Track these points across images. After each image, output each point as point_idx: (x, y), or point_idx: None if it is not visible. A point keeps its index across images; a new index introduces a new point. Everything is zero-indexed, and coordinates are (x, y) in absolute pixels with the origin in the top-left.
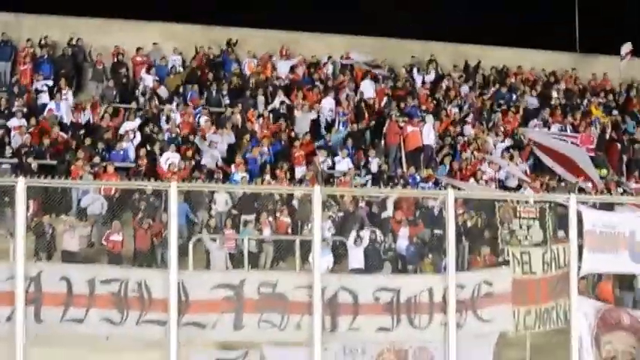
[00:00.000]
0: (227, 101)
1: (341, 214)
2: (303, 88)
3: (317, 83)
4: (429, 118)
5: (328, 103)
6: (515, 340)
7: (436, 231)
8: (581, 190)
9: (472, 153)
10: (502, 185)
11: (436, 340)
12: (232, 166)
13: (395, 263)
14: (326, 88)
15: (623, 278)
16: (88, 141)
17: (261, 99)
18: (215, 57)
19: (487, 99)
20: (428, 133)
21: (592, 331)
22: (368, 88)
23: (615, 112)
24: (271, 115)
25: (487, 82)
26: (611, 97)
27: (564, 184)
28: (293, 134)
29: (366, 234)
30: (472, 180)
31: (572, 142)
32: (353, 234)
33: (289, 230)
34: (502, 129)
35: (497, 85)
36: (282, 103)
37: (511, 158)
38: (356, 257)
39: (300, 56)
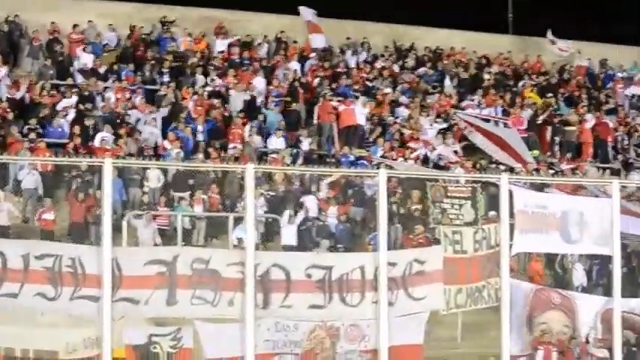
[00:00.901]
0: (162, 79)
1: (274, 192)
2: (238, 68)
3: (251, 62)
4: (362, 98)
5: (262, 82)
6: (447, 319)
7: (368, 210)
8: (513, 171)
9: (404, 133)
10: (434, 165)
11: (368, 318)
12: (166, 142)
13: (328, 241)
14: (260, 68)
15: (555, 258)
16: (23, 117)
17: (195, 77)
18: (150, 35)
19: (420, 80)
20: (360, 113)
21: (525, 311)
22: (301, 68)
23: (548, 94)
24: (206, 94)
25: (421, 63)
26: (543, 79)
27: (494, 164)
28: (227, 113)
29: (300, 212)
30: (403, 159)
31: (503, 124)
32: (287, 212)
33: (222, 207)
34: (435, 110)
35: (430, 66)
36: (213, 80)
37: (443, 139)
38: (289, 235)
39: (235, 35)
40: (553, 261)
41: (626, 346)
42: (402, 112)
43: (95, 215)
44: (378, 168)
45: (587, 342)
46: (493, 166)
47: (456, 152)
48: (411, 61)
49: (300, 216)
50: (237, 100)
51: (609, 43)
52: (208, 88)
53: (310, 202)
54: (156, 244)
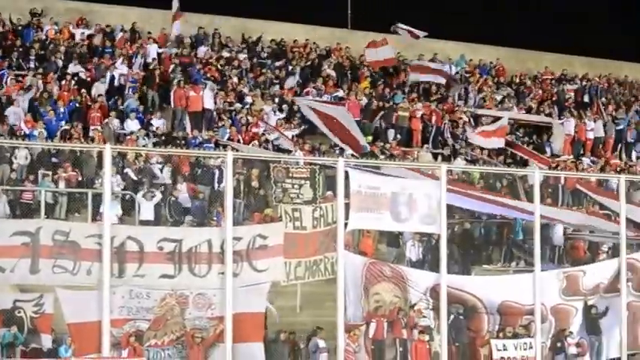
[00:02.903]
0: (29, 65)
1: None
2: (98, 55)
3: (111, 50)
4: (211, 84)
5: (120, 69)
6: (287, 290)
7: (216, 187)
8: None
9: (249, 118)
10: (276, 148)
11: (214, 287)
12: (23, 124)
13: (181, 217)
14: (118, 56)
15: (390, 235)
16: None
17: (59, 64)
18: (19, 24)
19: (265, 69)
20: (210, 99)
21: (360, 283)
22: (156, 56)
23: (384, 83)
24: (69, 80)
25: (266, 53)
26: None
27: (336, 148)
28: (89, 97)
29: (156, 189)
30: (248, 142)
31: (340, 110)
32: (143, 189)
33: (82, 184)
34: (278, 97)
35: (274, 57)
36: (75, 67)
37: (284, 123)
38: (146, 210)
39: (97, 25)
40: (387, 237)
41: (454, 315)
42: (248, 99)
43: None
44: (225, 150)
45: (417, 313)
46: (336, 149)
47: (295, 136)
48: (257, 52)
49: (156, 193)
50: (97, 85)
51: (439, 39)
52: (71, 74)
53: (163, 180)
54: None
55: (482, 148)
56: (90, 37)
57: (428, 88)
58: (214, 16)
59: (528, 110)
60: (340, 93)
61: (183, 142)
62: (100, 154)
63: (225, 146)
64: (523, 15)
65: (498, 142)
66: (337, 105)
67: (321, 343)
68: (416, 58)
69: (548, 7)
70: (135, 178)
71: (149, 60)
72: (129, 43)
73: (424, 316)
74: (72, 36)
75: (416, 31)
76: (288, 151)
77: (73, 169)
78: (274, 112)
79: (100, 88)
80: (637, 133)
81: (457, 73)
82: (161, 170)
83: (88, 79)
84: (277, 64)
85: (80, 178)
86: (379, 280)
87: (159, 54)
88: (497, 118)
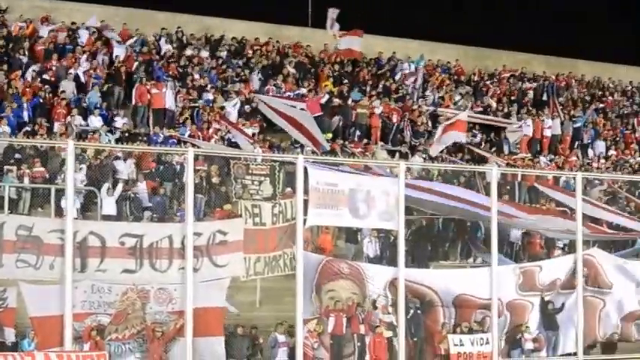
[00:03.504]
0: None
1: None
2: (62, 52)
3: (76, 48)
4: (173, 82)
5: (85, 66)
6: (247, 285)
7: (177, 183)
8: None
9: (210, 116)
10: (236, 145)
11: (175, 282)
12: None
13: (142, 212)
14: (83, 53)
15: (348, 231)
16: None
17: (23, 61)
18: None
19: (226, 67)
20: (171, 96)
21: (314, 280)
22: (120, 54)
23: (345, 81)
24: (33, 76)
25: (228, 52)
26: (338, 67)
27: (297, 145)
28: (53, 94)
29: (118, 185)
30: (208, 139)
31: (300, 108)
32: (106, 185)
33: (45, 180)
34: (238, 95)
35: (235, 55)
36: (39, 64)
37: (245, 121)
38: (108, 206)
39: (62, 23)
40: (346, 234)
41: (412, 310)
42: (209, 96)
43: None
44: (186, 146)
45: (376, 308)
46: (297, 146)
47: (255, 134)
48: (218, 50)
49: (119, 189)
50: (61, 82)
51: (398, 37)
52: (35, 71)
53: (125, 176)
54: None
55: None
56: (55, 34)
57: (388, 86)
58: (176, 14)
59: (486, 108)
60: (301, 91)
61: (145, 138)
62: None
63: (186, 143)
64: (483, 14)
65: (458, 136)
66: (296, 102)
67: (281, 338)
68: (375, 57)
69: (505, 5)
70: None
71: (113, 57)
72: (93, 40)
73: (389, 313)
74: (36, 33)
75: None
76: (247, 148)
77: (41, 166)
78: (235, 109)
79: (64, 85)
80: (594, 131)
81: (416, 71)
82: (123, 166)
83: (52, 78)
84: (238, 62)
85: (44, 174)
86: (335, 278)
87: (122, 51)
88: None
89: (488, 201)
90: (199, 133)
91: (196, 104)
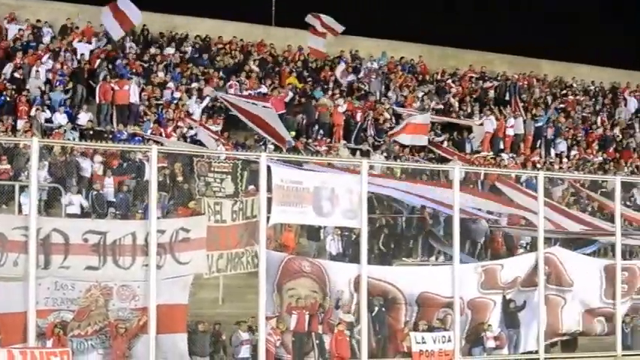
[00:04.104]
0: None
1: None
2: (28, 50)
3: (35, 45)
4: (137, 79)
5: (49, 63)
6: (210, 282)
7: (140, 180)
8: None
9: (173, 113)
10: (200, 143)
11: (138, 279)
12: None
13: (106, 209)
14: (47, 51)
15: (311, 229)
16: None
17: None
18: None
19: (190, 65)
20: (135, 93)
21: (276, 278)
22: (84, 51)
23: (308, 79)
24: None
25: (192, 50)
26: (301, 65)
27: (262, 143)
28: (17, 91)
29: (82, 182)
30: (172, 137)
31: (263, 106)
32: (69, 182)
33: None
34: (202, 92)
35: (200, 53)
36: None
37: (208, 118)
38: (73, 203)
39: (27, 20)
40: (309, 231)
41: (377, 307)
42: (172, 94)
43: None
44: (149, 144)
45: (338, 307)
46: (261, 144)
47: (219, 131)
48: (183, 48)
49: (83, 186)
50: (27, 79)
51: (361, 36)
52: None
53: (88, 173)
54: None
55: (403, 146)
56: (21, 32)
57: (350, 85)
58: (142, 12)
59: (449, 108)
60: (264, 89)
61: (109, 136)
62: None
63: (149, 140)
64: (446, 13)
65: (420, 140)
66: (259, 101)
67: (244, 336)
68: (337, 55)
69: (469, 6)
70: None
71: (78, 55)
72: (58, 38)
73: (349, 312)
74: (3, 31)
75: (335, 27)
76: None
77: (7, 163)
78: (198, 107)
79: (29, 83)
80: (556, 130)
81: (379, 69)
82: (88, 163)
83: (19, 76)
84: (202, 60)
85: (8, 171)
86: (297, 276)
87: (86, 48)
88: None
89: (451, 198)
90: (161, 130)
91: (160, 102)
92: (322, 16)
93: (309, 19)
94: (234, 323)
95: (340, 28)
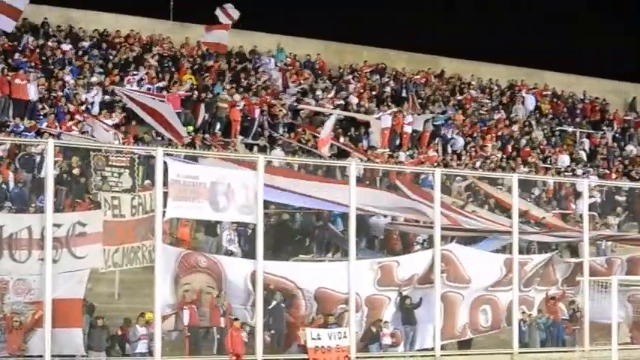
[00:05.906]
0: None
1: None
2: None
3: None
4: (34, 73)
5: None
6: (106, 276)
7: (36, 175)
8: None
9: (70, 107)
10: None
11: (34, 273)
12: None
13: (1, 203)
14: None
15: (208, 224)
16: None
17: None
18: None
19: (88, 59)
20: (32, 87)
21: (173, 273)
22: None
23: (206, 75)
24: None
25: (89, 44)
26: (199, 60)
27: (159, 137)
28: None
29: None
30: (69, 131)
31: (159, 100)
32: None
33: None
34: (100, 87)
35: (97, 47)
36: None
37: (107, 112)
38: None
39: None
40: (205, 226)
41: (275, 302)
42: (70, 88)
43: None
44: (46, 138)
45: (234, 303)
46: (159, 138)
47: (116, 125)
48: (80, 42)
49: None
50: None
51: (260, 32)
52: None
53: None
54: None
55: (300, 141)
56: None
57: (249, 80)
58: (40, 6)
59: (347, 104)
60: (161, 84)
61: (5, 129)
62: None
63: (44, 134)
64: (343, 9)
65: (325, 148)
66: (156, 96)
67: (141, 330)
68: (237, 48)
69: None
70: None
71: None
72: None
73: (243, 305)
74: None
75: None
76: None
77: None
78: (94, 99)
79: None
80: (453, 127)
81: (276, 65)
82: None
83: None
84: (100, 54)
85: None
86: (192, 271)
87: None
88: (318, 113)
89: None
90: (56, 124)
91: (58, 95)
92: (227, 6)
93: (218, 12)
94: (130, 318)
95: (237, 14)
